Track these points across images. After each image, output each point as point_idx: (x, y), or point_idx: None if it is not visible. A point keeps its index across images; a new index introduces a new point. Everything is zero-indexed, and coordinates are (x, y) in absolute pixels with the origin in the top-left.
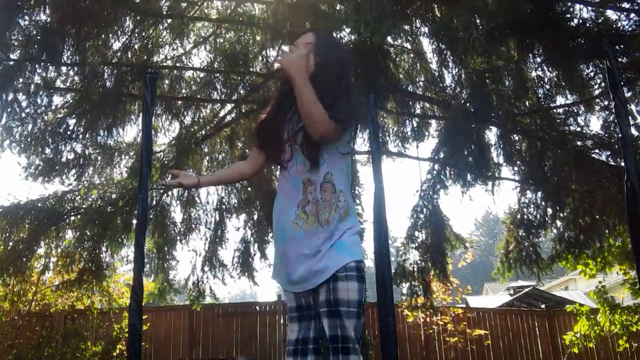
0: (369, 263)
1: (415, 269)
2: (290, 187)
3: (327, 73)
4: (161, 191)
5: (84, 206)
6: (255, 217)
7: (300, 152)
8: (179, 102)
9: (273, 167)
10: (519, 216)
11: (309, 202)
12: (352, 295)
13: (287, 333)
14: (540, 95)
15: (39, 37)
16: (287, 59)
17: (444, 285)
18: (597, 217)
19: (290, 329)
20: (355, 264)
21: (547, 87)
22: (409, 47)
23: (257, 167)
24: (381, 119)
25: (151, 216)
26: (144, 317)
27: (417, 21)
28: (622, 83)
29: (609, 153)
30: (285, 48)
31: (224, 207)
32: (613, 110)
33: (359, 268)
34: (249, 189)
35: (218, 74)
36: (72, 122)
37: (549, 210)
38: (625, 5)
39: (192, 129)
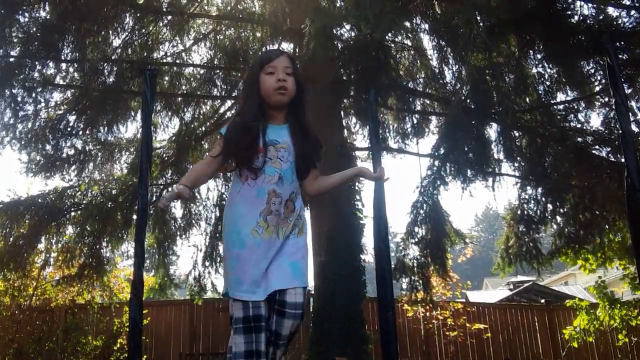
0: (369, 259)
1: (415, 264)
2: (255, 196)
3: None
4: (161, 187)
5: (84, 202)
6: None
7: (270, 164)
8: (179, 98)
9: (229, 174)
10: (519, 212)
11: (271, 212)
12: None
13: (230, 344)
14: (540, 92)
15: (38, 34)
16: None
17: (444, 280)
18: (597, 212)
19: (239, 340)
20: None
21: (548, 83)
22: (410, 43)
23: (214, 171)
24: (381, 115)
25: (151, 212)
26: (144, 312)
27: (417, 18)
28: (623, 80)
29: (609, 149)
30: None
31: (224, 202)
32: (613, 107)
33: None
34: None
35: (218, 71)
36: (72, 118)
37: (549, 206)
38: (626, 2)
39: (192, 126)
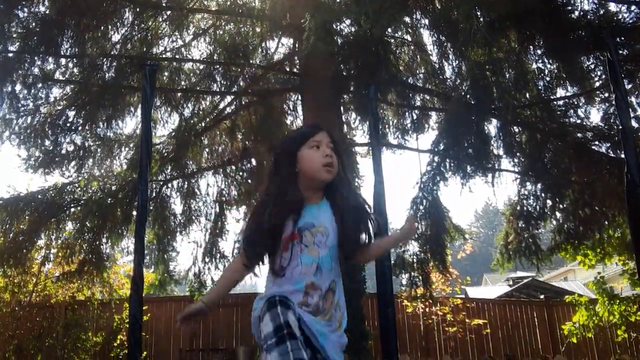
0: None
1: (415, 260)
2: (290, 288)
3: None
4: (161, 183)
5: (84, 198)
6: None
7: (307, 252)
8: (179, 94)
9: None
10: (518, 208)
11: (308, 305)
12: None
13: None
14: (540, 87)
15: (37, 29)
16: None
17: (443, 276)
18: (596, 208)
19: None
20: None
21: (548, 79)
22: (409, 39)
23: (244, 275)
24: (381, 111)
25: (151, 208)
26: (144, 308)
27: (417, 13)
28: (623, 75)
29: (609, 145)
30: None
31: (224, 199)
32: (613, 103)
33: None
34: (249, 181)
35: (218, 66)
36: (71, 114)
37: (549, 202)
38: None
39: (192, 121)
